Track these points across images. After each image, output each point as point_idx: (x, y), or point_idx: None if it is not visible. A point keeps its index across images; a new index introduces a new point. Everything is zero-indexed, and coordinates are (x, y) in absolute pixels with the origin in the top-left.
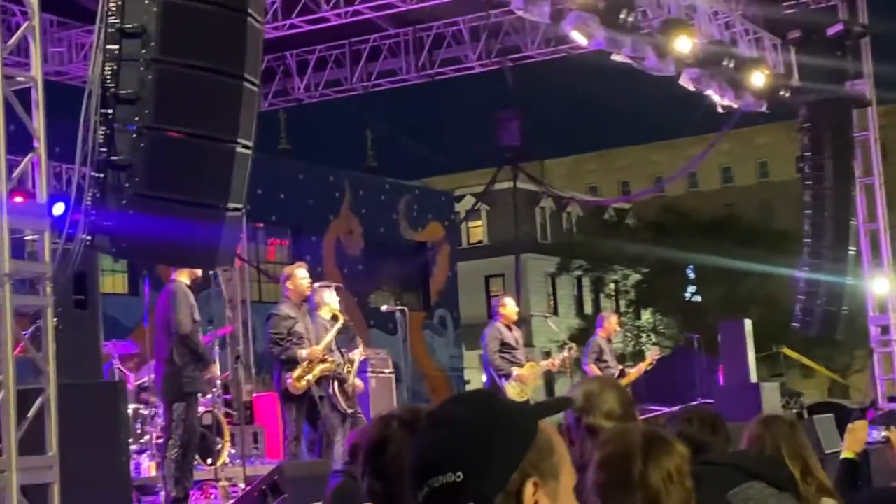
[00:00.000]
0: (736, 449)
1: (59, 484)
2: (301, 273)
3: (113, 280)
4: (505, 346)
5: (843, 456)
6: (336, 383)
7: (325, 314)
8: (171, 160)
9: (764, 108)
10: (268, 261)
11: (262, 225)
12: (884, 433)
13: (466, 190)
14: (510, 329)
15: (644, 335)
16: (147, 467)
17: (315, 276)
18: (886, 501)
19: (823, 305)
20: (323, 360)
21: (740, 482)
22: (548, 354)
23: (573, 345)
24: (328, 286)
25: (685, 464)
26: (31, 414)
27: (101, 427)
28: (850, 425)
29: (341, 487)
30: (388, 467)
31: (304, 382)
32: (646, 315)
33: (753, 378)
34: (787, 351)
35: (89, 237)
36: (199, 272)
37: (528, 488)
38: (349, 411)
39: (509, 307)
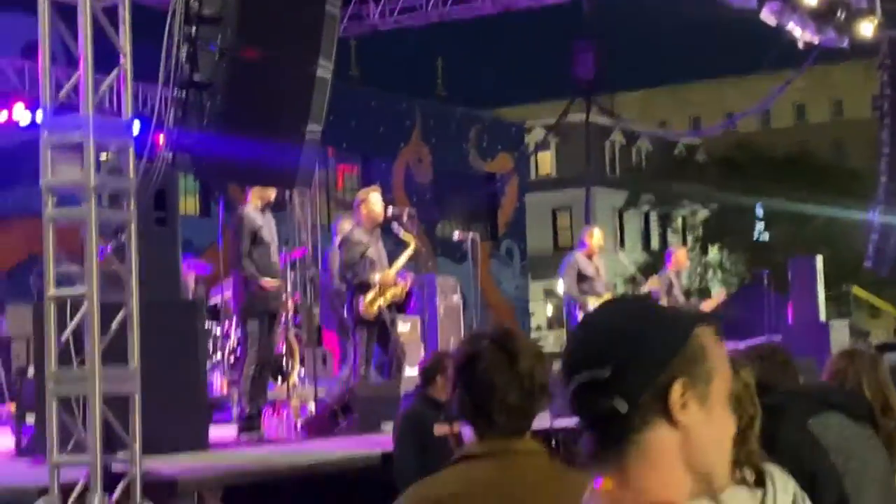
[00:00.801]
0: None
1: (140, 395)
2: (375, 197)
3: (185, 201)
4: (582, 277)
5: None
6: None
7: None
8: (253, 80)
9: (845, 45)
10: (337, 188)
11: (332, 151)
12: None
13: (536, 122)
14: (591, 259)
15: (710, 272)
16: (219, 385)
17: (385, 202)
18: None
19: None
20: (395, 284)
21: (818, 412)
22: (614, 287)
23: (646, 280)
24: (402, 212)
25: (746, 394)
26: (114, 326)
27: (180, 343)
28: None
29: (411, 411)
30: (478, 383)
31: (375, 307)
32: (713, 252)
33: (822, 316)
34: (857, 290)
35: (170, 155)
36: (272, 196)
37: (676, 389)
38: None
39: (596, 237)
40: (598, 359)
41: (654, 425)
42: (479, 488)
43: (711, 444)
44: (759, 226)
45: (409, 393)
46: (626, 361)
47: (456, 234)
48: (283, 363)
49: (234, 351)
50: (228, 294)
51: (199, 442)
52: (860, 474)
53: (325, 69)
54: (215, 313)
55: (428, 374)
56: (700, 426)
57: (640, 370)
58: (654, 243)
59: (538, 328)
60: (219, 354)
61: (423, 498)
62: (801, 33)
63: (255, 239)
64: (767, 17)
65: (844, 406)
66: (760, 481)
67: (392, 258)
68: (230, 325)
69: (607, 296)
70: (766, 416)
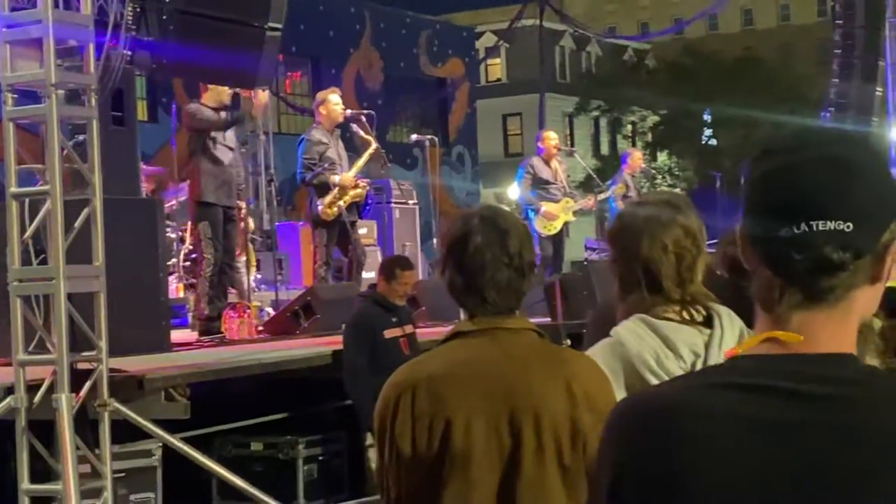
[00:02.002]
0: None
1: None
2: (334, 98)
3: None
4: (539, 181)
5: (889, 285)
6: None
7: None
8: None
9: None
10: (286, 93)
11: (280, 56)
12: None
13: (486, 27)
14: (548, 164)
15: (660, 177)
16: (175, 288)
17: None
18: None
19: None
20: (355, 186)
21: None
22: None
23: (605, 189)
24: (360, 115)
25: (685, 237)
26: (77, 224)
27: (141, 242)
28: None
29: (361, 312)
30: (470, 260)
31: (335, 208)
32: (662, 157)
33: None
34: None
35: (129, 53)
36: (226, 99)
37: (893, 247)
38: None
39: (551, 139)
40: (841, 207)
41: (863, 282)
42: (465, 367)
43: (879, 297)
44: (708, 131)
45: (361, 294)
46: (868, 214)
47: (413, 137)
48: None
49: (188, 255)
50: (183, 197)
51: (161, 343)
52: None
53: None
54: (169, 217)
55: (379, 276)
56: (882, 284)
57: (877, 226)
58: (604, 149)
59: None
60: (173, 259)
61: (398, 383)
62: None
63: (206, 134)
64: None
65: None
66: (709, 321)
67: (350, 160)
68: (186, 228)
69: (564, 200)
70: (744, 298)
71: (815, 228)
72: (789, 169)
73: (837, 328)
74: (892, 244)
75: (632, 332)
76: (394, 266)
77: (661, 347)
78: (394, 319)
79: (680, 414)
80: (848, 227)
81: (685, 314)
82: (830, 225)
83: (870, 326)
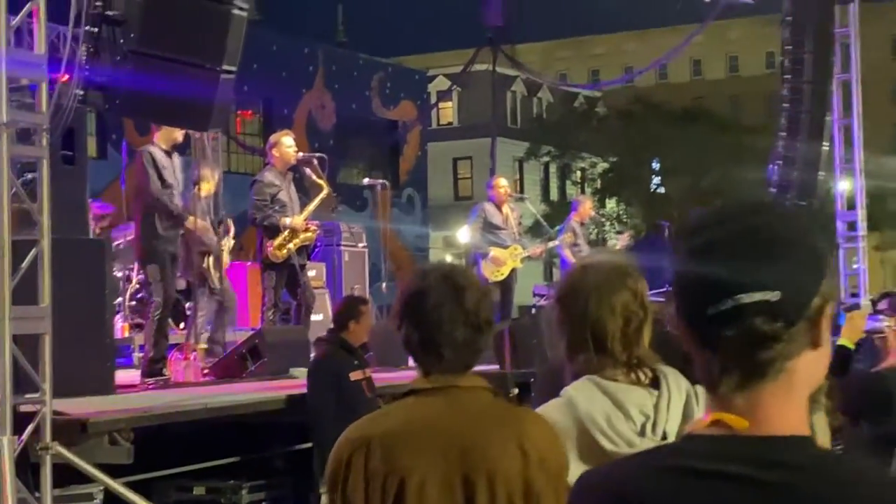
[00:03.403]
0: None
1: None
2: (287, 141)
3: None
4: (489, 226)
5: (839, 342)
6: (211, 258)
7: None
8: (168, 18)
9: (750, 0)
10: (237, 133)
11: (233, 96)
12: (886, 322)
13: (439, 70)
14: (500, 208)
15: (608, 224)
16: (121, 328)
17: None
18: (870, 384)
19: (794, 199)
20: (306, 229)
21: None
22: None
23: (554, 236)
24: (312, 157)
25: (634, 301)
26: (24, 264)
27: (87, 283)
28: (848, 314)
29: (326, 356)
30: (427, 317)
31: (284, 251)
32: (610, 204)
33: None
34: None
35: (81, 93)
36: (179, 137)
37: (827, 311)
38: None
39: (499, 187)
40: (765, 278)
41: (801, 350)
42: (420, 425)
43: (826, 365)
44: (657, 179)
45: (321, 338)
46: (794, 282)
47: (366, 180)
48: (185, 307)
49: (134, 294)
50: (131, 236)
51: (106, 385)
52: None
53: (241, 9)
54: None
55: (341, 319)
56: (826, 346)
57: (805, 292)
58: (553, 195)
59: None
60: (119, 298)
61: (352, 440)
62: None
63: (160, 179)
64: None
65: None
66: (655, 383)
67: (301, 203)
68: (133, 267)
69: (512, 247)
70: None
71: (741, 302)
72: (711, 245)
73: (784, 404)
74: (826, 307)
75: (582, 393)
76: (357, 304)
77: (612, 409)
78: (356, 362)
79: (636, 500)
80: (774, 296)
81: (633, 376)
82: (756, 296)
83: (818, 387)
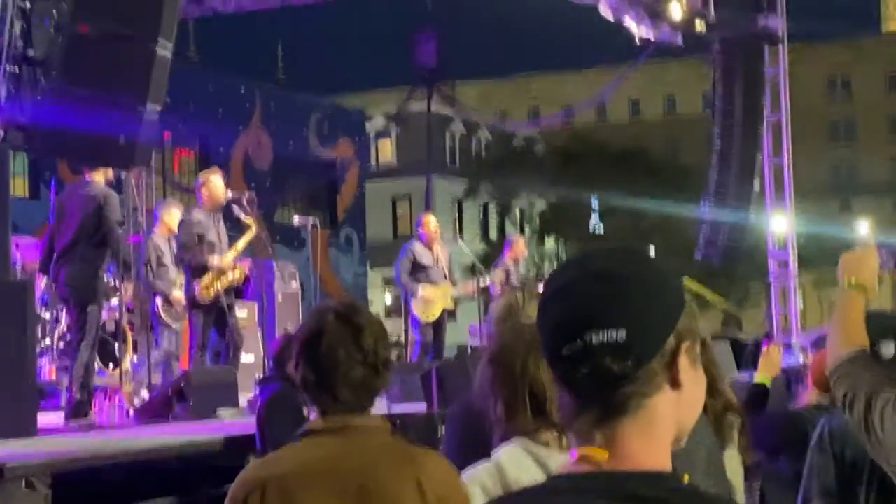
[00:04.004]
0: None
1: None
2: (216, 180)
3: (13, 183)
4: (418, 266)
5: (756, 380)
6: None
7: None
8: (89, 57)
9: (679, 41)
10: (174, 171)
11: (169, 135)
12: (801, 359)
13: (378, 109)
14: (430, 248)
15: (547, 262)
16: (48, 370)
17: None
18: (786, 423)
19: (725, 238)
20: (234, 269)
21: None
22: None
23: (486, 274)
24: (241, 196)
25: None
26: None
27: (9, 326)
28: (764, 349)
29: (280, 394)
30: (323, 358)
31: (212, 291)
32: (549, 243)
33: None
34: (687, 281)
35: (2, 132)
36: (112, 175)
37: (683, 350)
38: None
39: (431, 224)
40: (612, 319)
41: (658, 389)
42: (316, 466)
43: (697, 402)
44: (595, 217)
45: (267, 378)
46: (643, 323)
47: (296, 219)
48: (115, 349)
49: (62, 336)
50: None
51: (27, 428)
52: (688, 453)
53: (164, 48)
54: (44, 296)
55: (282, 357)
56: (692, 386)
57: (655, 332)
58: (493, 234)
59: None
60: (47, 340)
61: (247, 481)
62: (637, 28)
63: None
64: (605, 11)
65: None
66: None
67: (231, 243)
68: (60, 309)
69: (443, 285)
70: None
71: (590, 341)
72: (564, 288)
73: (645, 441)
74: (682, 347)
75: (513, 460)
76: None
77: (542, 477)
78: (302, 398)
79: None
80: (622, 335)
81: (564, 441)
82: (603, 335)
83: (730, 424)
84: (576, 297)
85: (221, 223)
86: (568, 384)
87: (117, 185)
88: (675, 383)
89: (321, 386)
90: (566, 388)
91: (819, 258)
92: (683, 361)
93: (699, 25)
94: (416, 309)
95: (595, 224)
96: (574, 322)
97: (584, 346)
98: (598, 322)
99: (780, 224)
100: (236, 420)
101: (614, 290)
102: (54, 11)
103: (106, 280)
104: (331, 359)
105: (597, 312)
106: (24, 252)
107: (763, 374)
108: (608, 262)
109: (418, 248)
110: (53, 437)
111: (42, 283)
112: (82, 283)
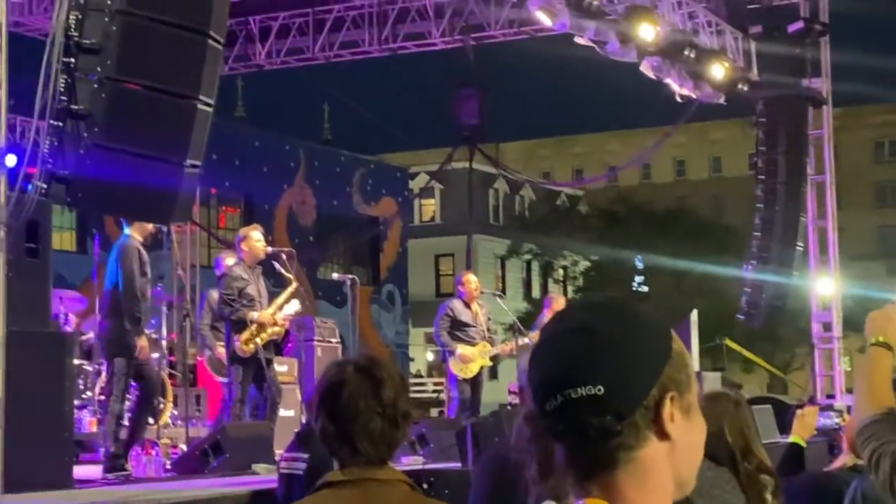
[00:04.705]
0: None
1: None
2: (256, 235)
3: (61, 237)
4: (457, 323)
5: (790, 440)
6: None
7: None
8: (132, 112)
9: (722, 101)
10: (219, 227)
11: (215, 191)
12: (836, 420)
13: (421, 167)
14: (468, 306)
15: None
16: (88, 423)
17: (266, 243)
18: (820, 485)
19: (769, 300)
20: (274, 324)
21: None
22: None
23: (526, 332)
24: (281, 252)
25: None
26: None
27: (47, 377)
28: (799, 411)
29: (308, 430)
30: (343, 409)
31: (251, 345)
32: None
33: (696, 368)
34: (729, 343)
35: (44, 186)
36: (152, 230)
37: (667, 402)
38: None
39: (469, 283)
40: (590, 374)
41: (645, 441)
42: None
43: (694, 451)
44: (639, 278)
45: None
46: (622, 377)
47: (335, 276)
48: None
49: (103, 389)
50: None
51: (63, 480)
52: None
53: (205, 104)
54: (89, 349)
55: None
56: (684, 436)
57: (636, 386)
58: (536, 292)
59: (418, 374)
60: (89, 392)
61: None
62: (679, 88)
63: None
64: (647, 70)
65: (705, 449)
66: None
67: (272, 298)
68: (103, 361)
69: (481, 344)
70: None
71: (569, 397)
72: (546, 344)
73: (641, 492)
74: (666, 398)
75: None
76: None
77: None
78: None
79: None
80: (599, 391)
81: None
82: (582, 391)
83: (764, 485)
84: (556, 352)
85: (261, 278)
86: (556, 438)
87: (161, 241)
88: (663, 435)
89: (340, 437)
90: (556, 441)
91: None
92: (670, 412)
93: (742, 86)
94: (454, 366)
95: (638, 284)
96: (555, 377)
97: (565, 401)
98: (577, 377)
99: (824, 286)
100: (273, 476)
101: (592, 344)
102: (98, 67)
103: (147, 333)
104: (350, 410)
105: (575, 367)
106: (69, 305)
107: (797, 435)
108: (588, 315)
109: (457, 306)
110: (90, 489)
111: (86, 336)
112: (111, 337)
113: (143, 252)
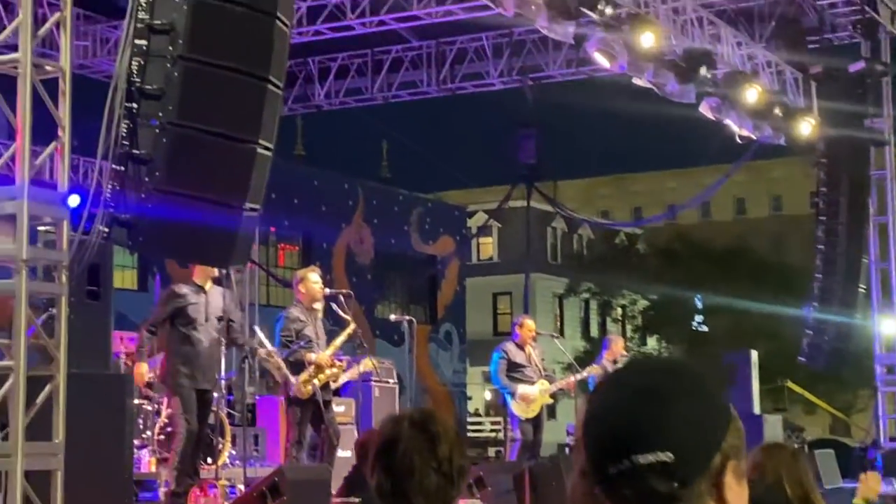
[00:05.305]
0: None
1: (63, 472)
2: (313, 277)
3: (122, 275)
4: (513, 365)
5: (854, 502)
6: None
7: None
8: (192, 157)
9: (782, 141)
10: (278, 265)
11: (273, 229)
12: None
13: (479, 206)
14: (522, 348)
15: None
16: (147, 462)
17: (324, 283)
18: None
19: (831, 342)
20: (331, 365)
21: None
22: (552, 374)
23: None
24: (339, 294)
25: None
26: (39, 400)
27: (107, 418)
28: (862, 475)
29: (354, 475)
30: (398, 465)
31: (310, 387)
32: (651, 342)
33: (757, 410)
34: (791, 385)
35: (106, 229)
36: (215, 271)
37: (729, 469)
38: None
39: (526, 328)
40: (660, 441)
41: None
42: None
43: None
44: (698, 317)
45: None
46: (691, 445)
47: (392, 317)
48: (214, 442)
49: (164, 428)
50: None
51: None
52: None
53: (265, 148)
54: (149, 388)
55: (364, 450)
56: (738, 501)
57: (702, 454)
58: (594, 331)
59: (476, 413)
60: (148, 432)
61: None
62: (738, 129)
63: (180, 314)
64: (706, 111)
65: (763, 501)
66: None
67: (330, 339)
68: (162, 401)
69: (539, 382)
70: None
71: (637, 462)
72: (610, 405)
73: None
74: (728, 465)
75: None
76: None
77: None
78: None
79: None
80: (668, 457)
81: None
82: (651, 457)
83: None
84: (621, 417)
85: (319, 319)
86: (616, 501)
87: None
88: (721, 501)
89: (396, 494)
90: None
91: None
92: (729, 479)
93: (802, 127)
94: (516, 407)
95: (698, 323)
96: (620, 442)
97: (631, 466)
98: (645, 443)
99: (887, 328)
100: None
101: (659, 411)
102: (160, 112)
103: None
104: (406, 467)
105: (642, 433)
106: (129, 344)
107: (861, 498)
108: (651, 378)
109: (511, 349)
110: None
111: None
112: (166, 377)
113: (195, 295)
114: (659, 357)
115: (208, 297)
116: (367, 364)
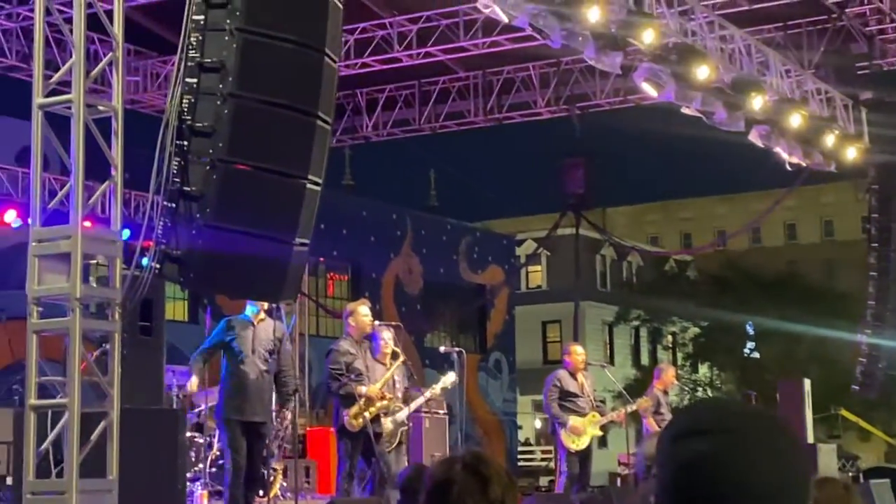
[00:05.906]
0: None
1: None
2: (363, 310)
3: (174, 307)
4: (566, 394)
5: None
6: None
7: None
8: (243, 193)
9: (833, 168)
10: (327, 296)
11: (322, 259)
12: None
13: (527, 235)
14: (574, 377)
15: (700, 390)
16: (199, 496)
17: (372, 313)
18: None
19: (885, 369)
20: (382, 398)
21: None
22: (602, 402)
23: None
24: (388, 326)
25: None
26: (93, 437)
27: (160, 453)
28: None
29: None
30: None
31: (360, 419)
32: (703, 369)
33: (810, 439)
34: (845, 413)
35: (158, 265)
36: (266, 304)
37: None
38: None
39: (575, 354)
40: (764, 493)
41: None
42: None
43: None
44: (750, 344)
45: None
46: (788, 495)
47: (442, 349)
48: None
49: (215, 461)
50: (213, 402)
51: None
52: None
53: (314, 183)
54: (200, 421)
55: (410, 486)
56: None
57: (796, 500)
58: (644, 359)
59: (526, 442)
60: (200, 465)
61: None
62: (788, 157)
63: (228, 347)
64: (755, 139)
65: None
66: None
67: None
68: (214, 434)
69: (591, 415)
70: None
71: None
72: (711, 457)
73: None
74: None
75: None
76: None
77: None
78: None
79: None
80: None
81: None
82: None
83: None
84: (731, 470)
85: (369, 352)
86: None
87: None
88: None
89: None
90: None
91: None
92: None
93: (852, 153)
94: (566, 439)
95: (750, 350)
96: (732, 495)
97: None
98: (752, 496)
99: None
100: None
101: (766, 463)
102: (210, 149)
103: None
104: None
105: (751, 486)
106: (181, 377)
107: None
108: (754, 431)
109: (564, 377)
110: None
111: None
112: (217, 410)
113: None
114: (751, 408)
115: (256, 330)
116: (434, 391)
